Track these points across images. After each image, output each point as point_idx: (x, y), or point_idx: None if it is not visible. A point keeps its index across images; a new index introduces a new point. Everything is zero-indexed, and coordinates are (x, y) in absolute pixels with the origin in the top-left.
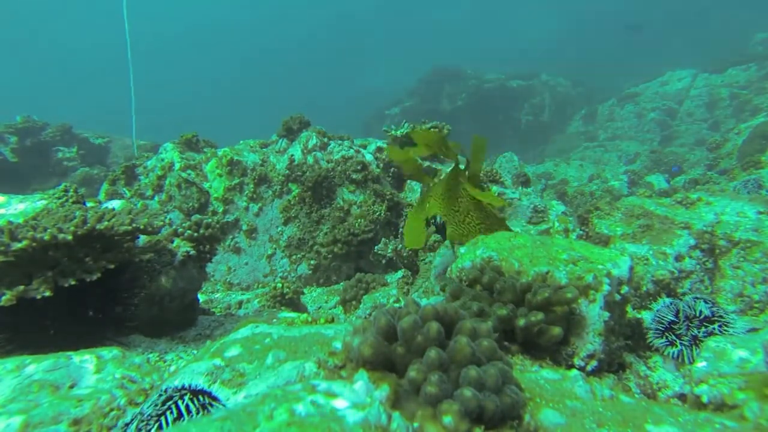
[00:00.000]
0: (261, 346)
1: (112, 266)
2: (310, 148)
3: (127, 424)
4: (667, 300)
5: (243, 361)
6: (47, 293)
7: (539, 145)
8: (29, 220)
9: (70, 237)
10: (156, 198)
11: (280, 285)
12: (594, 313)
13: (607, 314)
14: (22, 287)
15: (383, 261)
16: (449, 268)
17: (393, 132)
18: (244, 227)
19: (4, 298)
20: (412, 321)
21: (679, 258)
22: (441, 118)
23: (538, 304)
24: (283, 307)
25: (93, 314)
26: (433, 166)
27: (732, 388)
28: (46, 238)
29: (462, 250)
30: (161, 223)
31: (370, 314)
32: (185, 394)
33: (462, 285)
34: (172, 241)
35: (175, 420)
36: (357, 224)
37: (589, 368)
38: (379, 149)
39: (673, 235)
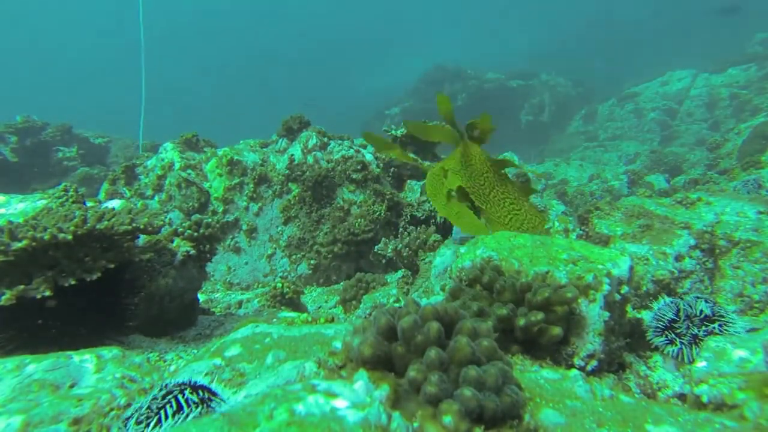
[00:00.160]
0: (261, 346)
1: (112, 266)
2: (310, 148)
3: (127, 418)
4: (668, 299)
5: (243, 360)
6: (47, 293)
7: (539, 145)
8: (29, 220)
9: (70, 237)
10: (156, 198)
11: (280, 285)
12: (594, 312)
13: (607, 314)
14: (22, 287)
15: (383, 261)
16: (449, 268)
17: (393, 132)
18: (244, 227)
19: (4, 297)
20: (412, 321)
21: (679, 258)
22: (441, 118)
23: (538, 304)
24: (283, 307)
25: (93, 314)
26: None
27: (732, 388)
28: (46, 237)
29: (462, 249)
30: (161, 222)
31: (370, 314)
32: (185, 389)
33: (462, 285)
34: (172, 241)
35: (174, 413)
36: (357, 224)
37: (589, 368)
38: None
39: (673, 235)
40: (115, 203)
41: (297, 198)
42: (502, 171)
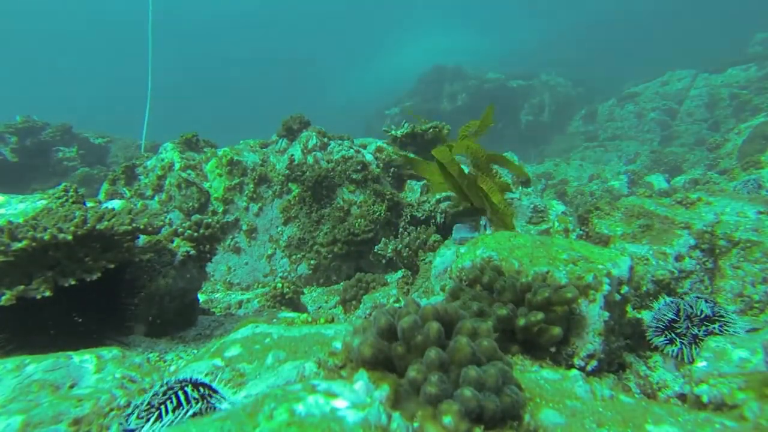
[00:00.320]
0: (261, 346)
1: (112, 266)
2: (310, 148)
3: (128, 415)
4: (668, 299)
5: (243, 360)
6: (47, 293)
7: (539, 145)
8: (29, 220)
9: (70, 237)
10: (156, 198)
11: (280, 285)
12: (594, 313)
13: (607, 314)
14: (22, 287)
15: (383, 261)
16: (449, 268)
17: (393, 132)
18: (244, 227)
19: (4, 297)
20: (412, 321)
21: (679, 258)
22: (441, 118)
23: (538, 304)
24: (283, 307)
25: (93, 314)
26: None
27: (732, 388)
28: (46, 237)
29: (462, 249)
30: (161, 223)
31: (370, 314)
32: (186, 386)
33: (462, 285)
34: (172, 241)
35: (174, 409)
36: (357, 224)
37: (589, 368)
38: (379, 149)
39: (673, 235)
40: (115, 203)
41: (297, 198)
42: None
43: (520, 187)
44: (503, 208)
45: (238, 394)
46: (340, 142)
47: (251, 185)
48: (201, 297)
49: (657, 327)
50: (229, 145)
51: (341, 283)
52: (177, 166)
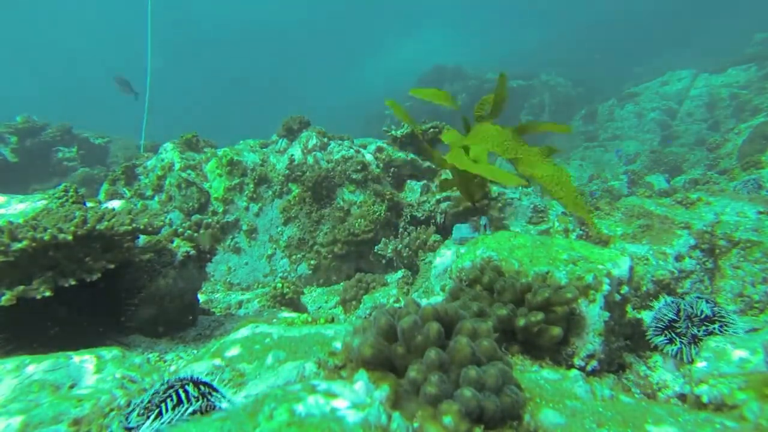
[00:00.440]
0: (261, 346)
1: (112, 266)
2: (310, 148)
3: (128, 413)
4: (669, 299)
5: (243, 361)
6: (47, 293)
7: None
8: (29, 220)
9: (70, 237)
10: (156, 198)
11: (280, 285)
12: (594, 313)
13: (607, 314)
14: (22, 287)
15: (383, 261)
16: (449, 268)
17: (393, 132)
18: (244, 227)
19: (4, 298)
20: (412, 321)
21: (679, 258)
22: (441, 118)
23: (538, 304)
24: (283, 307)
25: (93, 314)
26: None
27: (732, 388)
28: (46, 238)
29: (462, 250)
30: (161, 223)
31: (370, 314)
32: (186, 384)
33: (462, 285)
34: (172, 241)
35: (174, 407)
36: (357, 224)
37: (589, 368)
38: (379, 149)
39: (673, 235)
40: (115, 204)
41: (297, 198)
42: (521, 138)
43: (520, 187)
44: (564, 184)
45: (238, 394)
46: (340, 142)
47: (251, 185)
48: (201, 297)
49: (657, 327)
50: (229, 145)
51: (341, 284)
52: (177, 166)
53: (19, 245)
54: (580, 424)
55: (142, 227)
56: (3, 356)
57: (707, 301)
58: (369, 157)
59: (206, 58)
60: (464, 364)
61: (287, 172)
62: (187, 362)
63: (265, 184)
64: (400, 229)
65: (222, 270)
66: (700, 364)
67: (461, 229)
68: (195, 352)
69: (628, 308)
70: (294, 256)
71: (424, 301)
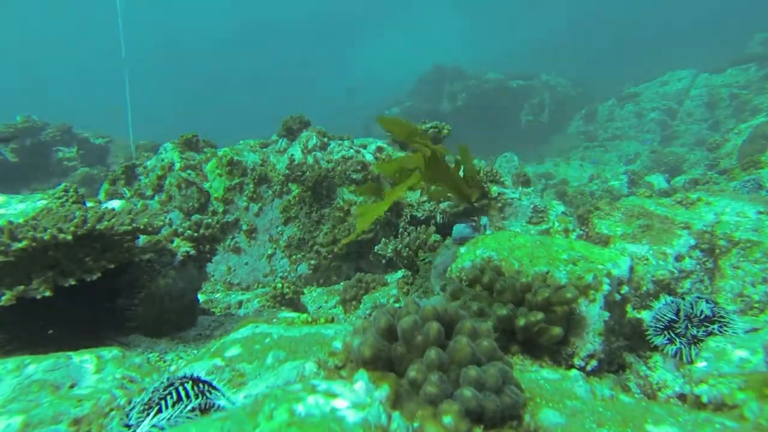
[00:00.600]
0: (261, 346)
1: (112, 266)
2: (310, 148)
3: (129, 410)
4: (669, 299)
5: (243, 361)
6: (47, 293)
7: (539, 145)
8: (29, 220)
9: (70, 237)
10: (156, 198)
11: (280, 285)
12: (594, 313)
13: (607, 314)
14: (22, 287)
15: (383, 261)
16: (449, 268)
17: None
18: (244, 227)
19: (4, 298)
20: (412, 321)
21: (679, 258)
22: (441, 118)
23: (538, 304)
24: (283, 307)
25: (93, 314)
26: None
27: (732, 388)
28: (46, 238)
29: (462, 250)
30: (161, 223)
31: (370, 314)
32: (186, 382)
33: (462, 285)
34: (172, 241)
35: (174, 404)
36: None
37: (589, 368)
38: (379, 149)
39: (673, 235)
40: (115, 203)
41: (297, 198)
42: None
43: (520, 187)
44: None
45: (238, 394)
46: (340, 142)
47: (251, 185)
48: (201, 297)
49: (657, 327)
50: (229, 145)
51: (341, 283)
52: (177, 166)
53: (19, 245)
54: (580, 424)
55: (142, 227)
56: (3, 356)
57: (707, 301)
58: (369, 157)
59: (206, 59)
60: (464, 364)
61: (287, 172)
62: (187, 362)
63: (265, 184)
64: (400, 229)
65: (222, 270)
66: (700, 364)
67: (461, 229)
68: (195, 352)
69: (628, 308)
70: (294, 256)
71: (424, 301)
